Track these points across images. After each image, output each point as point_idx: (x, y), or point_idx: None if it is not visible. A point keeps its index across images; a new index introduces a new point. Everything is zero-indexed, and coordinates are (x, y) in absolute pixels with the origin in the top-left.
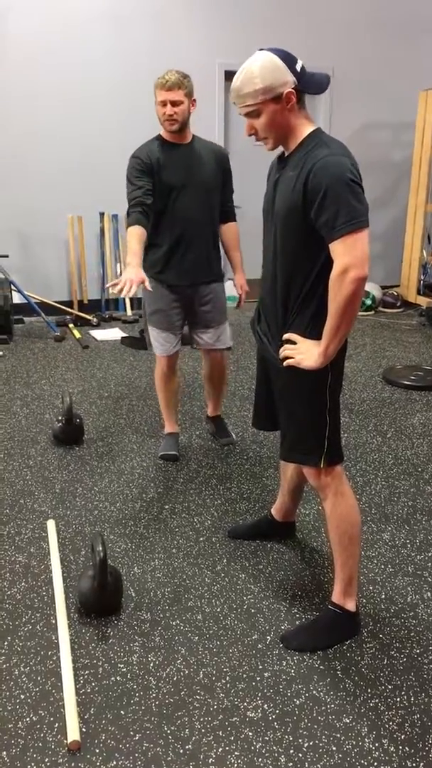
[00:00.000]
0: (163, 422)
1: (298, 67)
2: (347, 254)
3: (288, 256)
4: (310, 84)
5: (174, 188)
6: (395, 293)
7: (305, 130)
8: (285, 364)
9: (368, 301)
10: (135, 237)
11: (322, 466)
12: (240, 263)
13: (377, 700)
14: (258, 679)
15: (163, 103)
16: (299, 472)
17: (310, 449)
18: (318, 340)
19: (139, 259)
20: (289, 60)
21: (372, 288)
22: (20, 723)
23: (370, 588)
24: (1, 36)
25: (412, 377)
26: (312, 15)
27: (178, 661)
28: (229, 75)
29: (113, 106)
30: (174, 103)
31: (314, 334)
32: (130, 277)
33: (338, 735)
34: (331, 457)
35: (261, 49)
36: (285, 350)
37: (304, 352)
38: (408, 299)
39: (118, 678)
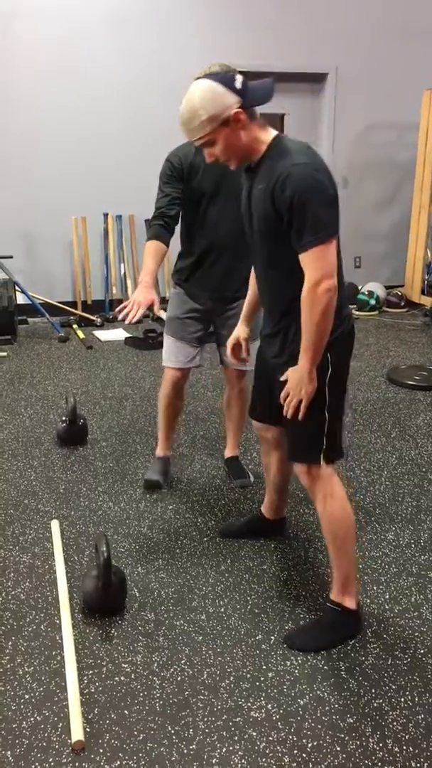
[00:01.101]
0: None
1: (239, 84)
2: (317, 268)
3: (274, 261)
4: (254, 97)
5: (204, 196)
6: (399, 293)
7: (264, 140)
8: (292, 414)
9: (372, 301)
10: (151, 253)
11: (320, 463)
12: None
13: (381, 701)
14: (262, 679)
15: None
16: (282, 472)
17: (309, 446)
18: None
19: (152, 278)
20: (227, 81)
21: (376, 288)
22: (24, 723)
23: (374, 588)
24: (6, 39)
25: (416, 377)
26: (315, 15)
27: (182, 661)
28: None
29: (117, 108)
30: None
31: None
32: (138, 299)
33: (342, 735)
34: (330, 455)
35: (197, 78)
36: (284, 399)
37: (296, 388)
38: (412, 299)
39: (122, 678)
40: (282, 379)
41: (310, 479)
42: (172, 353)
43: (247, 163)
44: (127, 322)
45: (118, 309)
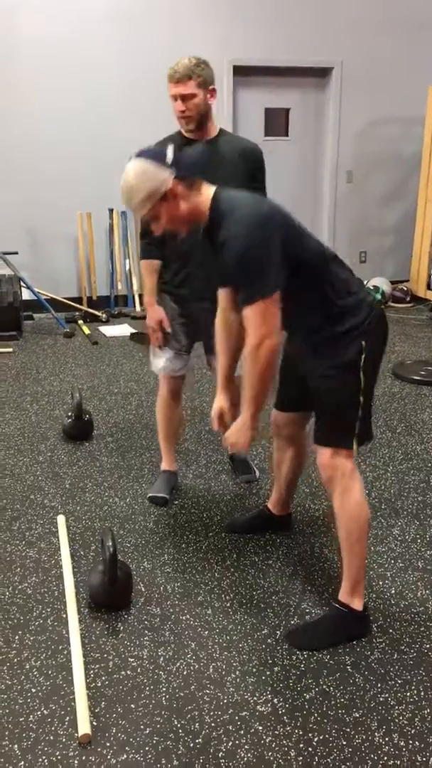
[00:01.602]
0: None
1: (170, 158)
2: (260, 325)
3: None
4: (187, 169)
5: None
6: (405, 288)
7: (206, 203)
8: (230, 450)
9: (377, 296)
10: (146, 272)
11: (354, 447)
12: None
13: (387, 695)
14: (268, 673)
15: (174, 98)
16: (294, 468)
17: (343, 431)
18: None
19: (154, 297)
20: (158, 157)
21: (381, 283)
22: (31, 716)
23: (380, 583)
24: (12, 35)
25: (422, 372)
26: (320, 10)
27: (188, 656)
28: (237, 70)
29: (122, 103)
30: (185, 98)
31: (320, 339)
32: (151, 324)
33: (348, 729)
34: (361, 438)
35: (131, 158)
36: (225, 439)
37: (235, 433)
38: (418, 294)
39: (128, 672)
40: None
41: (331, 471)
42: (159, 360)
43: (200, 226)
44: (159, 348)
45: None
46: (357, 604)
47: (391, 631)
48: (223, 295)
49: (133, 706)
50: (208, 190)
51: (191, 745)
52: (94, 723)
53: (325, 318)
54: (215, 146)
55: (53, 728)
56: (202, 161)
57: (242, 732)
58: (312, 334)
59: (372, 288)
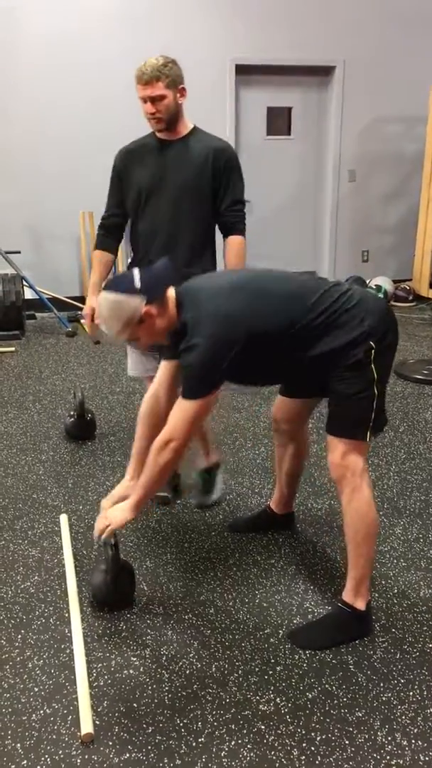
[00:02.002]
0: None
1: (138, 284)
2: (181, 423)
3: (280, 364)
4: (156, 289)
5: (142, 193)
6: (407, 287)
7: (174, 312)
8: (100, 536)
9: (380, 295)
10: (96, 263)
11: (367, 440)
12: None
13: (390, 694)
14: (270, 672)
15: (144, 100)
16: (295, 465)
17: (357, 422)
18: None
19: (96, 291)
20: (127, 287)
21: (384, 282)
22: (34, 715)
23: (383, 582)
24: (14, 35)
25: (425, 371)
26: (323, 8)
27: (191, 655)
28: (240, 69)
29: (125, 102)
30: (154, 99)
31: (326, 361)
32: (86, 313)
33: (351, 729)
34: (375, 429)
35: (100, 291)
36: (98, 524)
37: (111, 516)
38: (420, 293)
39: (130, 671)
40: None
41: (343, 470)
42: (133, 363)
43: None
44: (93, 340)
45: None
46: (360, 604)
47: (393, 630)
48: (164, 368)
49: (135, 705)
50: (172, 297)
51: (193, 744)
52: (97, 722)
53: (325, 355)
54: (185, 145)
55: (56, 727)
56: (168, 275)
57: (245, 731)
58: (317, 366)
59: (374, 287)
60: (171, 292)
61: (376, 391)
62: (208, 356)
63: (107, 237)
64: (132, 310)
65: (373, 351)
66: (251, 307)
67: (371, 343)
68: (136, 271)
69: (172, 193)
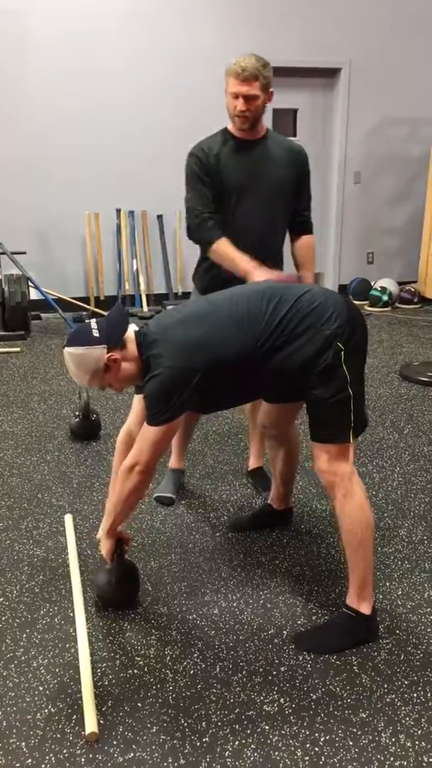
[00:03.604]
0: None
1: (97, 333)
2: (139, 447)
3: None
4: (114, 335)
5: (234, 192)
6: (412, 289)
7: (135, 352)
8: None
9: (385, 297)
10: (229, 245)
11: (350, 441)
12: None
13: (394, 696)
14: (274, 673)
15: (235, 96)
16: (288, 465)
17: (337, 426)
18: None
19: (250, 260)
20: (86, 338)
21: (389, 284)
22: (39, 714)
23: (387, 584)
24: (22, 36)
25: (429, 374)
26: (329, 8)
27: (195, 655)
28: None
29: (130, 104)
30: (248, 99)
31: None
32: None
33: (355, 730)
34: (357, 429)
35: (63, 345)
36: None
37: (101, 546)
38: (425, 295)
39: (135, 671)
40: None
41: (331, 476)
42: None
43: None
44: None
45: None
46: (365, 608)
47: (398, 632)
48: (137, 402)
49: (139, 704)
50: (132, 339)
51: (197, 744)
52: (101, 721)
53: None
54: (264, 145)
55: (60, 726)
56: (124, 319)
57: (249, 731)
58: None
59: (379, 289)
60: (130, 334)
61: (351, 392)
62: (166, 384)
63: (213, 223)
64: (95, 360)
65: (342, 353)
66: (213, 334)
67: (339, 344)
68: (92, 322)
69: (264, 192)
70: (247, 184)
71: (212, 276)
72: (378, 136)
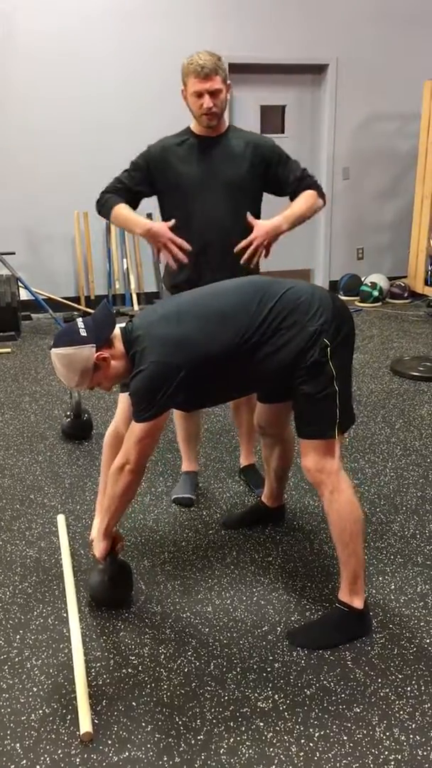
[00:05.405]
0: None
1: (84, 333)
2: (129, 445)
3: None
4: (102, 333)
5: (193, 188)
6: (402, 284)
7: (122, 350)
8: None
9: (375, 293)
10: (126, 208)
11: (336, 436)
12: (292, 212)
13: (388, 690)
14: (268, 669)
15: (199, 94)
16: (282, 464)
17: (324, 421)
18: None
19: (145, 219)
20: (74, 338)
21: (379, 279)
22: (33, 715)
23: (380, 578)
24: (7, 34)
25: (420, 368)
26: (315, 6)
27: (189, 653)
28: (233, 67)
29: (119, 101)
30: (213, 94)
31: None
32: (160, 239)
33: (349, 724)
34: (343, 425)
35: (49, 348)
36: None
37: (94, 547)
38: (415, 290)
39: (129, 670)
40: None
41: (317, 474)
42: None
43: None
44: (172, 263)
45: (162, 259)
46: (357, 603)
47: (391, 626)
48: (122, 400)
49: (134, 703)
50: (118, 337)
51: (192, 741)
52: (96, 721)
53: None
54: (225, 141)
55: (55, 727)
56: (110, 317)
57: (243, 728)
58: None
59: (370, 284)
60: (116, 331)
61: (336, 388)
62: (150, 380)
63: (120, 195)
64: (84, 360)
65: (328, 349)
66: (197, 329)
67: (325, 340)
68: (79, 321)
69: (223, 187)
70: (206, 180)
71: (182, 275)
72: (366, 131)
